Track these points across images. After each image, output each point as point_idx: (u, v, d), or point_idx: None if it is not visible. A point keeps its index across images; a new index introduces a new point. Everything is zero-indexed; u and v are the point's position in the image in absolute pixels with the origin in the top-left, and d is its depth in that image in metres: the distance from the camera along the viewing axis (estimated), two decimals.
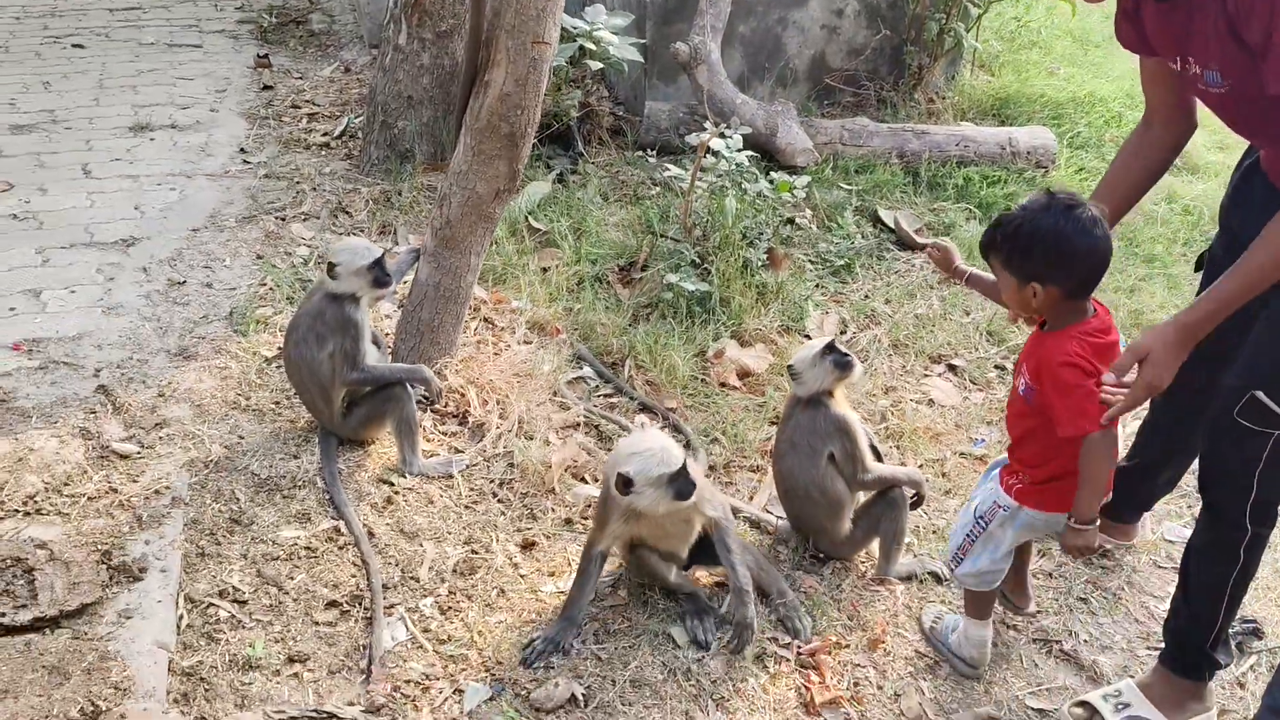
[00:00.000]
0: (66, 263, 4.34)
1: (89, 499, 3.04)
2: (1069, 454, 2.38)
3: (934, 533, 3.24)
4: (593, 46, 4.93)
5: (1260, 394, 2.26)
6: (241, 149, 5.48)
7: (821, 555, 3.12)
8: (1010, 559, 2.66)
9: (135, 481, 3.13)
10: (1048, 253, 2.28)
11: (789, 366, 3.01)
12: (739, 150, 4.30)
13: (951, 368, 4.05)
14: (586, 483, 3.35)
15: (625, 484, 2.57)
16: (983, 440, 3.67)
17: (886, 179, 5.04)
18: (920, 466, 3.52)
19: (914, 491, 3.02)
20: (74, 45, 7.03)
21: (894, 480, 2.99)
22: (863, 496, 3.05)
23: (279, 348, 3.79)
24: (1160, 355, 2.21)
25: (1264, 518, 2.41)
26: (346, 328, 3.20)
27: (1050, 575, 3.13)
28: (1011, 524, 2.57)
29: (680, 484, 2.57)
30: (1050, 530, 2.61)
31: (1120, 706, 2.59)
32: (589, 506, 3.19)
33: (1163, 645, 2.67)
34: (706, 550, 2.85)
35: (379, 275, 3.22)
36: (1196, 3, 2.19)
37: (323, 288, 3.26)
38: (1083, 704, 2.64)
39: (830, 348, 2.94)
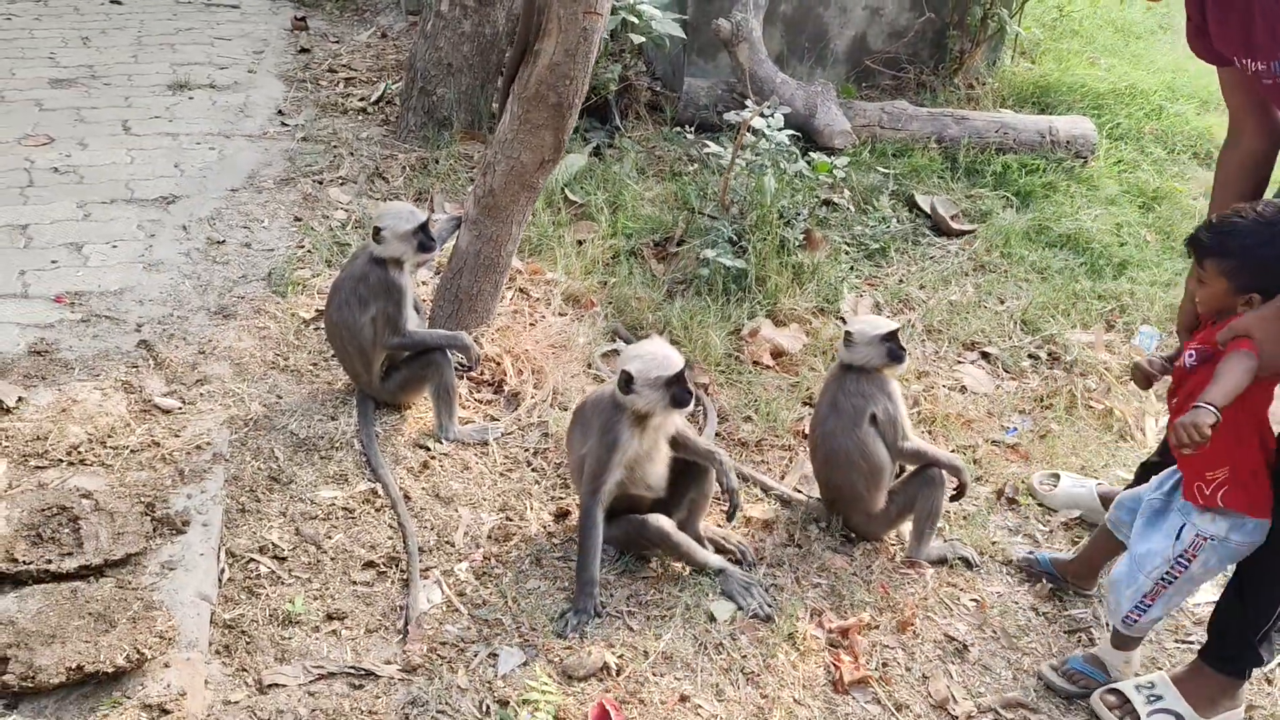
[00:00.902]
0: (108, 218, 4.37)
1: (132, 451, 3.07)
2: (1248, 439, 2.38)
3: (964, 519, 3.25)
4: (635, 20, 4.91)
5: None
6: (279, 111, 5.50)
7: (852, 535, 3.13)
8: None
9: (177, 436, 3.16)
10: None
11: (846, 332, 3.01)
12: (780, 130, 4.28)
13: (985, 355, 4.05)
14: None
15: (627, 381, 2.69)
16: (1014, 429, 3.67)
17: (924, 163, 5.02)
18: (952, 453, 3.52)
19: (955, 481, 3.03)
20: (112, 1, 7.05)
21: (934, 459, 2.99)
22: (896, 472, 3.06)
23: (317, 310, 3.82)
24: (1263, 328, 2.23)
25: None
26: (390, 292, 3.22)
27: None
28: (1217, 556, 2.47)
29: (678, 390, 2.71)
30: (1244, 552, 2.48)
31: (1152, 699, 2.59)
32: None
33: (1191, 639, 2.67)
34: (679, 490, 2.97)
35: (424, 240, 3.24)
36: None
37: (366, 251, 3.27)
38: (1115, 692, 2.65)
39: (893, 335, 2.96)
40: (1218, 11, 2.37)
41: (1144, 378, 2.67)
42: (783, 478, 3.40)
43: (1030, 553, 3.08)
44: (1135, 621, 2.58)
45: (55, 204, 4.44)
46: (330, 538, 2.92)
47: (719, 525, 3.13)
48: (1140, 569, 2.53)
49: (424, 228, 3.24)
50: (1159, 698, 2.58)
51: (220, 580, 2.71)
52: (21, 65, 5.91)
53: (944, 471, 3.01)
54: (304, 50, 6.35)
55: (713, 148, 4.54)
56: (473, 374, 3.61)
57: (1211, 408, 2.19)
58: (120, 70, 5.89)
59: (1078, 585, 3.00)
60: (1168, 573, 2.50)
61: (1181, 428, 2.19)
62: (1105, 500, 3.26)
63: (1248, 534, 2.44)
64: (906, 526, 3.09)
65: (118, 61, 6.01)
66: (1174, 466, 2.59)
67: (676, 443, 2.94)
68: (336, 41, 6.58)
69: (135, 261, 4.07)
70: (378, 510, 3.04)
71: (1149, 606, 2.54)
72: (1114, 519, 2.84)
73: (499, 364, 3.67)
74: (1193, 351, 2.44)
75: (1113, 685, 2.66)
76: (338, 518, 2.99)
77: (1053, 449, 3.56)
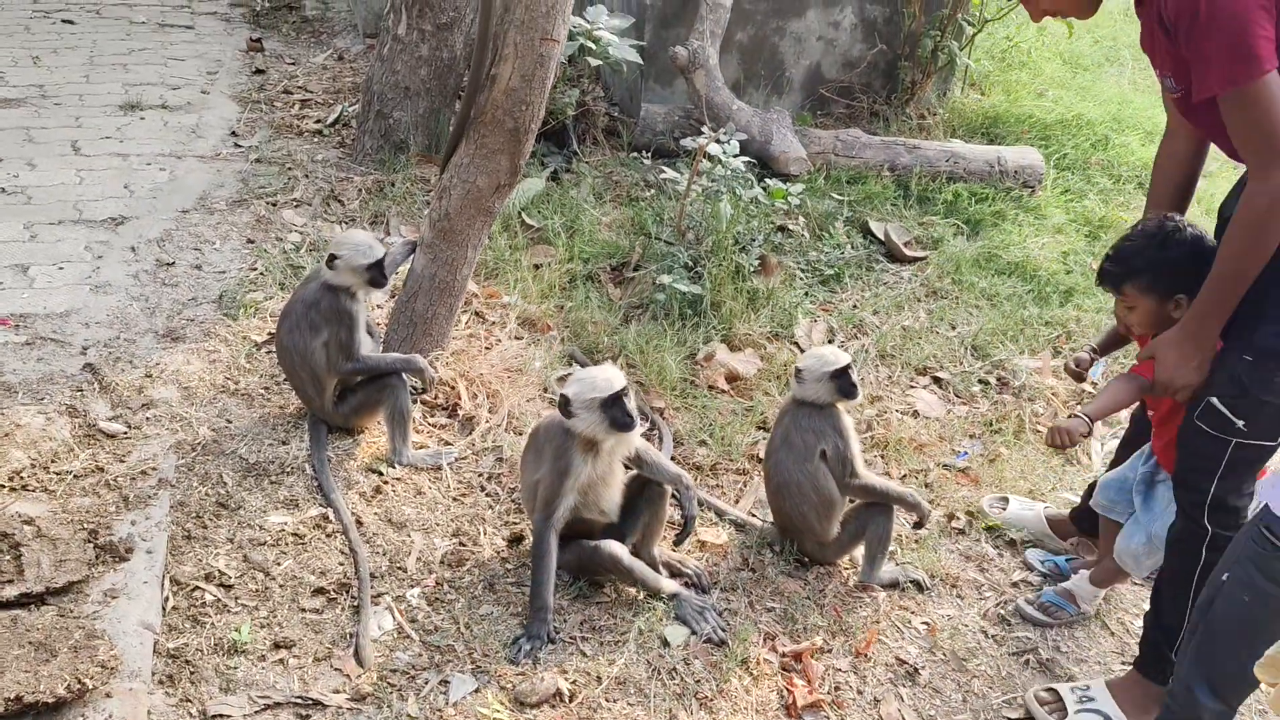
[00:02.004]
0: (55, 239, 4.30)
1: (75, 477, 3.02)
2: None
3: (916, 542, 3.28)
4: (592, 46, 4.94)
5: (1216, 400, 2.41)
6: (233, 132, 5.46)
7: (805, 559, 3.15)
8: None
9: (122, 461, 3.11)
10: (1193, 265, 2.45)
11: (796, 369, 3.03)
12: (735, 156, 4.33)
13: (937, 380, 4.10)
14: None
15: (565, 404, 2.72)
16: (965, 453, 3.72)
17: (878, 191, 5.09)
18: (904, 477, 3.57)
19: (916, 516, 3.07)
20: (64, 20, 6.98)
21: (884, 493, 3.02)
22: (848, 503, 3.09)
23: (269, 333, 3.78)
24: (1164, 355, 2.45)
25: (1223, 519, 2.49)
26: (341, 318, 3.21)
27: (1032, 584, 3.18)
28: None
29: (616, 412, 2.72)
30: None
31: (1084, 699, 2.68)
32: None
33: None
34: (633, 514, 2.99)
35: (375, 276, 3.24)
36: (1152, 11, 2.37)
37: (319, 276, 3.25)
38: (1050, 690, 2.75)
39: (844, 373, 2.98)
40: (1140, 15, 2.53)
41: (1076, 375, 2.99)
42: (737, 502, 3.41)
43: (1039, 596, 3.11)
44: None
45: (2, 225, 4.36)
46: (279, 564, 2.88)
47: (674, 549, 3.13)
48: (1161, 545, 2.71)
49: (379, 264, 3.23)
50: (1091, 699, 2.70)
51: (164, 609, 2.66)
52: None
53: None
54: (259, 71, 6.32)
55: (669, 173, 4.58)
56: (426, 398, 3.59)
57: (1084, 418, 2.54)
58: (71, 90, 5.82)
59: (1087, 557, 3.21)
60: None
61: (1055, 432, 2.56)
62: (1052, 522, 3.33)
63: None
64: (860, 550, 3.11)
65: (69, 81, 5.93)
66: (1147, 446, 2.88)
67: (642, 463, 2.95)
68: (292, 63, 6.55)
69: (82, 283, 4.01)
70: (329, 536, 3.01)
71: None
72: (1103, 503, 3.01)
73: (454, 388, 3.66)
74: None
75: (1049, 685, 2.78)
76: (287, 544, 2.95)
77: (1002, 473, 3.61)
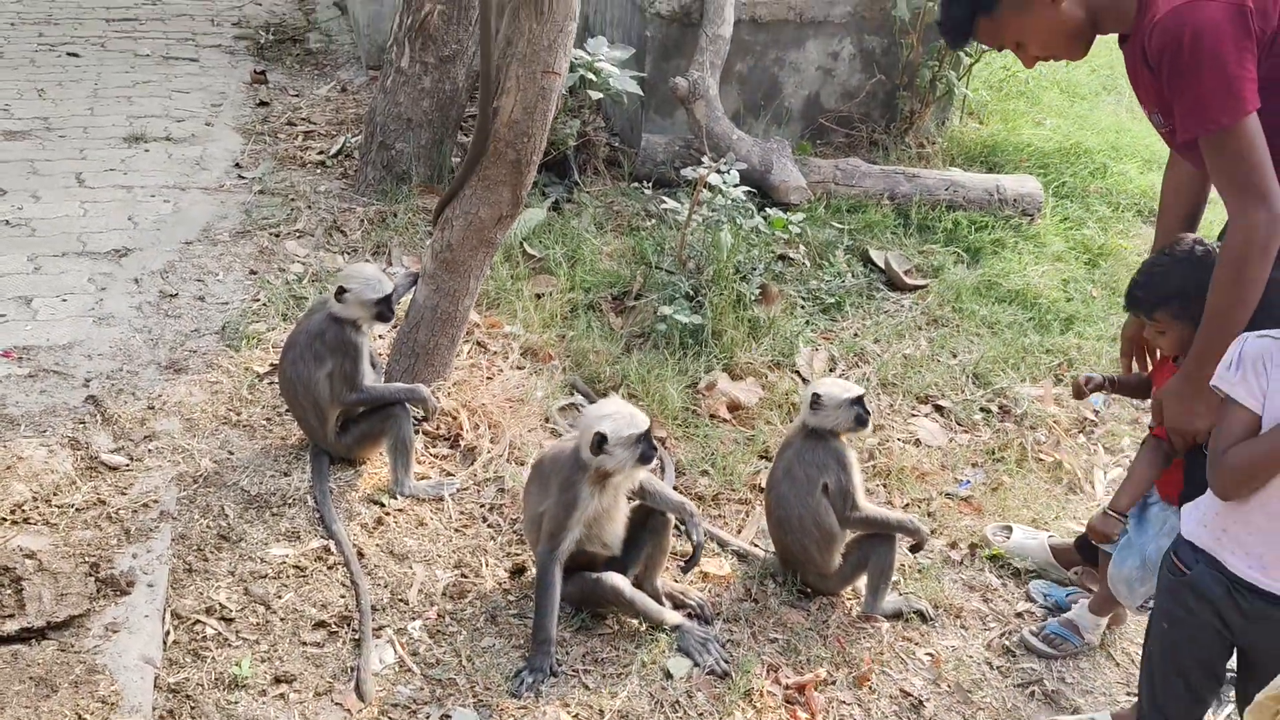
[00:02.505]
0: (59, 271, 4.32)
1: (77, 510, 3.01)
2: None
3: (919, 572, 3.27)
4: (593, 77, 4.98)
5: None
6: (237, 164, 5.49)
7: (808, 590, 3.14)
8: None
9: (124, 494, 3.11)
10: None
11: (814, 394, 3.00)
12: (736, 186, 4.35)
13: (938, 408, 4.10)
14: None
15: (600, 443, 2.68)
16: (968, 481, 3.71)
17: (878, 219, 5.11)
18: (906, 506, 3.56)
19: (915, 539, 3.06)
20: (69, 54, 7.02)
21: (884, 524, 3.02)
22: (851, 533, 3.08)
23: (272, 364, 3.79)
24: (1170, 404, 2.46)
25: None
26: (346, 349, 3.22)
27: (1036, 615, 3.16)
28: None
29: (645, 446, 2.73)
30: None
31: None
32: None
33: None
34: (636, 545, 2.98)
35: (383, 311, 3.27)
36: (1136, 50, 2.41)
37: (325, 307, 3.27)
38: None
39: (860, 400, 2.99)
40: (1124, 53, 2.56)
41: (1078, 391, 2.98)
42: (739, 532, 3.40)
43: (1043, 627, 3.09)
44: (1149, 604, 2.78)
45: (5, 257, 4.38)
46: (280, 597, 2.87)
47: (676, 580, 3.13)
48: (1155, 570, 2.66)
49: (388, 299, 3.25)
50: None
51: (165, 643, 2.65)
52: None
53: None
54: (263, 103, 6.36)
55: (670, 203, 4.60)
56: (428, 429, 3.60)
57: (1118, 516, 2.61)
58: (76, 123, 5.86)
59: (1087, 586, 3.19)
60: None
61: (1092, 533, 2.65)
62: (1056, 551, 3.31)
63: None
64: (862, 580, 3.10)
65: (73, 114, 5.97)
66: None
67: (645, 494, 2.95)
68: (296, 95, 6.60)
69: (85, 315, 4.02)
70: (330, 568, 3.00)
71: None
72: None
73: (455, 418, 3.66)
74: None
75: (1055, 717, 2.78)
76: (288, 576, 2.95)
77: (1005, 501, 3.60)
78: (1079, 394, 3.00)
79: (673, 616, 2.91)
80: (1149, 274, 2.60)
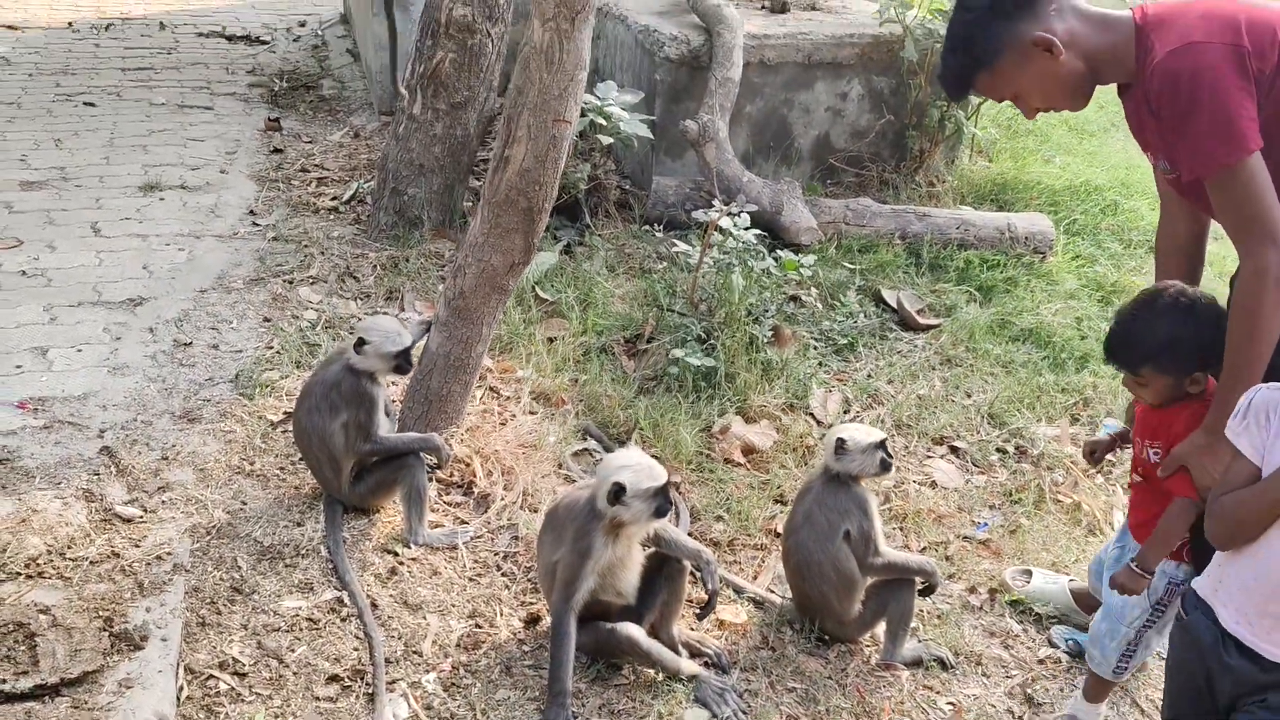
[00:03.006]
0: (74, 321, 4.35)
1: (91, 563, 3.01)
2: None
3: (938, 618, 3.23)
4: (603, 122, 5.02)
5: None
6: (251, 211, 5.53)
7: (826, 637, 3.10)
8: None
9: (137, 546, 3.10)
10: (1213, 341, 2.41)
11: (839, 439, 2.97)
12: (747, 228, 4.36)
13: (954, 449, 4.07)
14: None
15: (617, 493, 2.66)
16: (985, 524, 3.68)
17: (889, 259, 5.11)
18: (924, 549, 3.52)
19: (927, 582, 3.03)
20: (85, 103, 7.12)
21: (904, 568, 2.99)
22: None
23: (285, 412, 3.79)
24: (1198, 462, 2.40)
25: None
26: (362, 400, 3.22)
27: (1058, 662, 3.12)
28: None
29: (662, 500, 2.72)
30: None
31: None
32: None
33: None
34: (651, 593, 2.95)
35: (402, 364, 3.29)
36: (1139, 97, 2.42)
37: (342, 358, 3.28)
38: None
39: (883, 445, 2.98)
40: (1125, 103, 2.56)
41: (1091, 454, 2.96)
42: (755, 578, 3.37)
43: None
44: (1124, 669, 2.74)
45: (21, 308, 4.41)
46: (293, 650, 2.85)
47: (692, 628, 3.09)
48: (1120, 621, 2.69)
49: (406, 353, 3.27)
50: None
51: (178, 698, 2.63)
52: None
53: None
54: (277, 150, 6.43)
55: (681, 246, 4.61)
56: (441, 475, 3.59)
57: (1142, 573, 2.53)
58: (92, 172, 5.92)
59: None
60: (1148, 620, 2.66)
61: (1117, 586, 2.56)
62: (1077, 596, 3.27)
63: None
64: (881, 627, 3.07)
65: (89, 163, 6.04)
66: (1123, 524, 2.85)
67: (660, 541, 2.93)
68: (309, 141, 6.67)
69: (100, 365, 4.04)
70: (343, 620, 2.98)
71: (1134, 651, 2.71)
72: (1093, 584, 3.00)
73: (469, 465, 3.65)
74: (1157, 449, 2.57)
75: None
76: (302, 629, 2.93)
77: (1023, 544, 3.56)
78: (1091, 462, 2.99)
79: (689, 666, 2.87)
80: (1130, 327, 2.53)
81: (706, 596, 2.96)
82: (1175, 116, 2.31)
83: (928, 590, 3.07)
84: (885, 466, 2.99)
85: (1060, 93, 2.50)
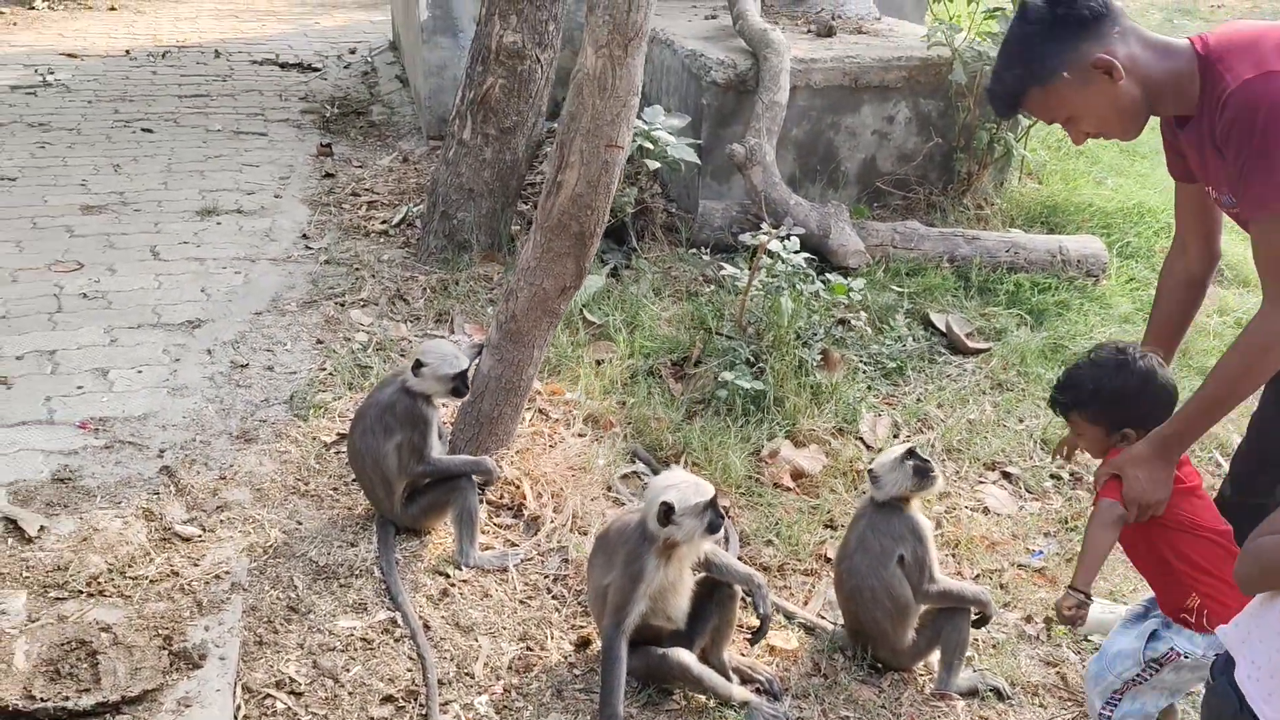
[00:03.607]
0: (134, 343, 4.44)
1: (151, 582, 3.06)
2: (1206, 563, 2.44)
3: (994, 647, 3.19)
4: (650, 146, 5.05)
5: None
6: (303, 235, 5.63)
7: (879, 665, 3.07)
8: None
9: (196, 565, 3.15)
10: (1144, 403, 2.46)
11: (869, 470, 3.00)
12: (795, 252, 4.36)
13: (1006, 475, 4.02)
14: None
15: (667, 513, 2.65)
16: (1041, 552, 3.62)
17: (938, 282, 5.08)
18: (977, 577, 3.48)
19: (982, 613, 2.99)
20: (143, 130, 7.30)
21: (960, 596, 2.96)
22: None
23: (339, 433, 3.84)
24: (1134, 473, 2.39)
25: None
26: (416, 422, 3.26)
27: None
28: (1191, 670, 2.48)
29: (712, 515, 2.71)
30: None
31: None
32: None
33: None
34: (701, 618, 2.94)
35: (459, 386, 3.32)
36: (1202, 129, 2.36)
37: (398, 380, 3.32)
38: None
39: (911, 453, 2.95)
40: (1187, 135, 2.49)
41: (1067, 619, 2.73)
42: (806, 604, 3.35)
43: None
44: (1109, 718, 2.59)
45: (83, 330, 4.52)
46: (348, 670, 2.87)
47: (743, 654, 3.08)
48: (1110, 669, 2.58)
49: (463, 375, 3.30)
50: None
51: (236, 718, 2.66)
52: (54, 192, 6.09)
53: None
54: (328, 175, 6.54)
55: (729, 269, 4.62)
56: (490, 498, 3.61)
57: (1078, 593, 2.45)
58: (150, 197, 6.06)
59: None
60: (1137, 676, 2.53)
61: (1063, 619, 2.47)
62: None
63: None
64: (935, 656, 3.03)
65: (148, 188, 6.19)
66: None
67: (711, 566, 2.92)
68: (360, 166, 6.78)
69: (160, 386, 4.12)
70: (397, 640, 3.00)
71: (1118, 702, 2.57)
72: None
73: (518, 487, 3.67)
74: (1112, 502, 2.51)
75: None
76: (356, 649, 2.95)
77: None
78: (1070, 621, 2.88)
79: (741, 693, 2.86)
80: (1069, 376, 2.63)
81: (758, 621, 2.94)
82: (1246, 148, 2.23)
83: (981, 621, 3.03)
84: (921, 474, 2.94)
85: (1115, 119, 2.42)
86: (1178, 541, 2.47)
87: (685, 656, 2.81)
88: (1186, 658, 2.46)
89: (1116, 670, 2.56)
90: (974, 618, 3.01)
